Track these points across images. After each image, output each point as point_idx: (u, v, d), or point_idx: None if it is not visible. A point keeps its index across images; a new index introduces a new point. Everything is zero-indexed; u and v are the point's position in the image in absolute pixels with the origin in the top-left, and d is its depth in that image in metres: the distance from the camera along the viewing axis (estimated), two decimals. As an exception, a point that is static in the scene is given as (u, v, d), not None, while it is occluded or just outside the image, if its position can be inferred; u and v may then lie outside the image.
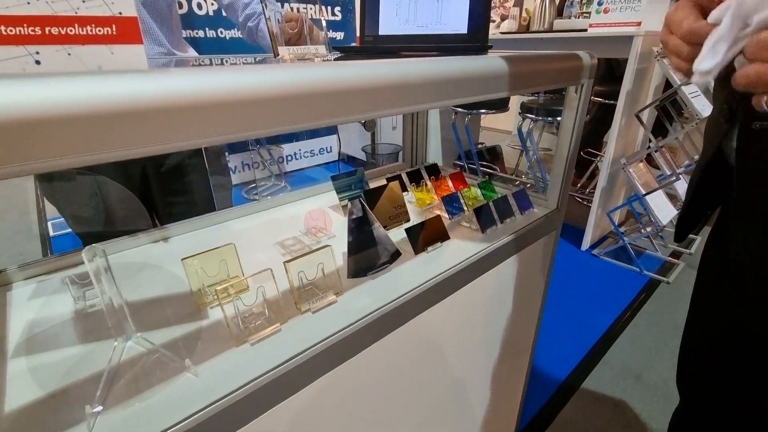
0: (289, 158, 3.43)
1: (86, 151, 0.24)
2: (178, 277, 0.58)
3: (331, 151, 3.71)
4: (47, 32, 0.27)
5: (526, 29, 2.10)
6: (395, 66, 0.41)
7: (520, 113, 2.08)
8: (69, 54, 0.28)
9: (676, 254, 2.05)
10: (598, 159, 2.70)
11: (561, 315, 1.60)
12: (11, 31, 0.26)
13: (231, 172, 3.05)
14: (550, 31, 1.99)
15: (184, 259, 0.51)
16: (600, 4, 1.74)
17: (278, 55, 0.51)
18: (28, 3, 0.26)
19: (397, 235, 0.70)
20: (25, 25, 0.26)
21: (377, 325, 0.51)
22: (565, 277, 1.88)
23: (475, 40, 0.85)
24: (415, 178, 0.95)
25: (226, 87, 0.28)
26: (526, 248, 0.74)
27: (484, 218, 0.73)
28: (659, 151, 1.77)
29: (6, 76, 0.22)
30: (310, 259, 0.52)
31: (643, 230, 1.98)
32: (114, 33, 0.29)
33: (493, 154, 3.09)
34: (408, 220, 0.78)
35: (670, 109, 1.89)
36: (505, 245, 0.68)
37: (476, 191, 0.85)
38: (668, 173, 1.84)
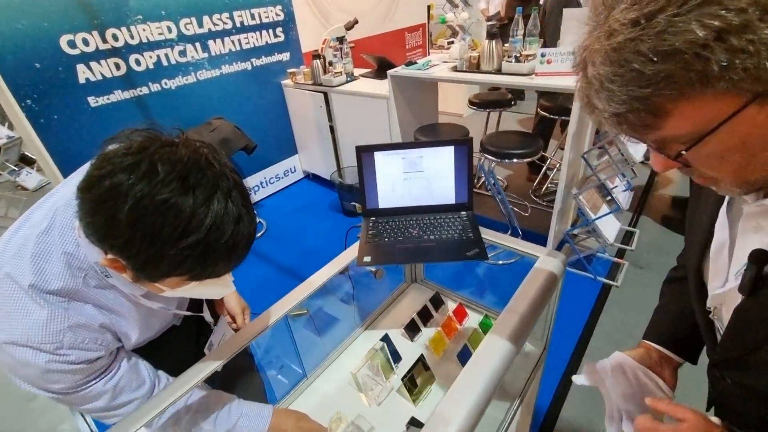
0: (256, 189, 3.42)
1: None
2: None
3: (295, 171, 3.73)
4: None
5: (477, 67, 2.22)
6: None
7: (480, 151, 2.25)
8: None
9: (621, 252, 2.42)
10: (547, 163, 3.01)
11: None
12: None
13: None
14: (500, 72, 2.13)
15: None
16: (543, 55, 1.90)
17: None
18: None
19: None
20: None
21: None
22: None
23: (461, 209, 1.02)
24: (424, 312, 1.13)
25: None
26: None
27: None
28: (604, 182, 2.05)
29: None
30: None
31: (594, 239, 2.30)
32: None
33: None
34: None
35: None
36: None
37: (479, 332, 1.06)
38: (612, 186, 2.13)
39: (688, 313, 0.71)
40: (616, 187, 2.16)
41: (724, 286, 0.49)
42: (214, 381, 0.99)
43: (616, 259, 2.36)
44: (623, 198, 2.28)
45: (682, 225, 2.63)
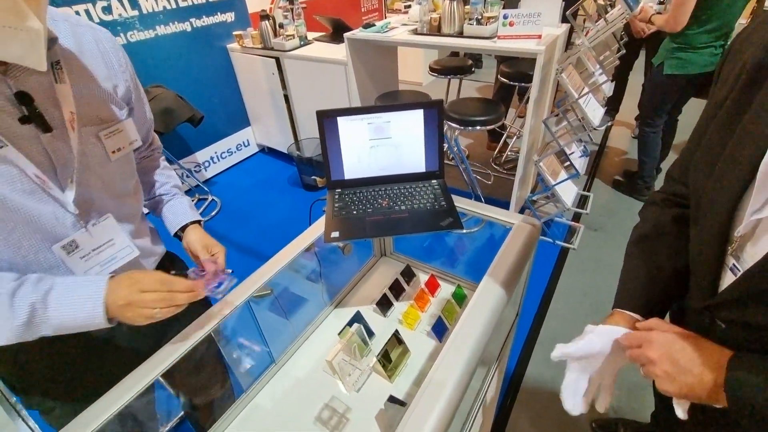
0: (207, 164, 3.19)
1: None
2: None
3: (249, 145, 3.51)
4: None
5: (438, 30, 2.12)
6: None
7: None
8: None
9: (577, 216, 2.51)
10: (507, 131, 3.03)
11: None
12: None
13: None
14: (461, 35, 2.06)
15: None
16: (505, 17, 1.84)
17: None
18: None
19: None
20: None
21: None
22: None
23: (432, 177, 0.97)
24: (396, 286, 1.09)
25: None
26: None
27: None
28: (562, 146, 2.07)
29: None
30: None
31: (553, 204, 2.37)
32: None
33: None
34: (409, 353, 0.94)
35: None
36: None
37: (453, 303, 1.03)
38: (569, 152, 2.17)
39: (659, 274, 0.70)
40: (572, 153, 2.21)
41: (763, 209, 0.47)
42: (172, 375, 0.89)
43: (572, 222, 2.45)
44: (580, 164, 2.34)
45: (631, 188, 2.75)
